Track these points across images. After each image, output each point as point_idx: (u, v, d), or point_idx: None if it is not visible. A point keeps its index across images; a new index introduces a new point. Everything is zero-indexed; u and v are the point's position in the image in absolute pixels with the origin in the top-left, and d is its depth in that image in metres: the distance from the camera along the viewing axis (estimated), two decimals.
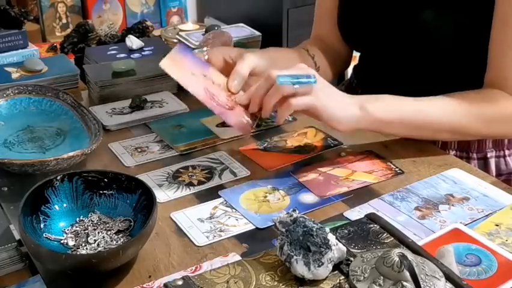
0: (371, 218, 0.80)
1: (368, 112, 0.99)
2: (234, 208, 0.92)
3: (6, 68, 1.35)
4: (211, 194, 0.96)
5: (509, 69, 1.04)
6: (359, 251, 0.73)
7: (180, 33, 1.62)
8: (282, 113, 0.96)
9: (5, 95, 1.15)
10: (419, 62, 1.16)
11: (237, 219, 0.90)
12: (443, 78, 1.14)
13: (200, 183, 0.99)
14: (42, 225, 0.83)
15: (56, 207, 0.85)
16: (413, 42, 1.14)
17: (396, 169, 1.02)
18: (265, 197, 0.95)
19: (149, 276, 0.79)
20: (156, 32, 1.64)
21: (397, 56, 1.19)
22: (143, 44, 1.44)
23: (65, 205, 0.86)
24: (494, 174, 1.14)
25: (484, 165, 1.15)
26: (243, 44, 1.50)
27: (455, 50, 1.10)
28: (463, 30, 1.07)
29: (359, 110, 0.99)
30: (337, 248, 0.70)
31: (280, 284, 0.69)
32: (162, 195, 0.95)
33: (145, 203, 0.84)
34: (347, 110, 0.98)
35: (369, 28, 1.20)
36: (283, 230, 0.71)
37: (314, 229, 0.70)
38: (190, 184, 0.99)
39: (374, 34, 1.20)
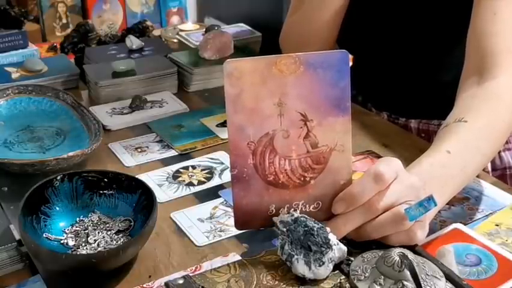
0: None
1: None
2: None
3: (6, 68, 1.35)
4: (211, 194, 0.96)
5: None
6: (360, 250, 0.73)
7: (180, 33, 1.62)
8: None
9: (5, 95, 1.15)
10: (418, 63, 1.16)
11: None
12: (442, 80, 1.15)
13: (200, 183, 0.99)
14: (42, 225, 0.82)
15: (56, 207, 0.85)
16: (414, 45, 1.15)
17: None
18: None
19: (149, 276, 0.78)
20: (156, 32, 1.64)
21: (396, 60, 1.19)
22: (143, 44, 1.44)
23: (65, 205, 0.86)
24: (489, 169, 1.14)
25: None
26: (243, 44, 1.50)
27: (453, 49, 1.10)
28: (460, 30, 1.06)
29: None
30: (338, 248, 0.70)
31: (281, 284, 0.69)
32: (162, 195, 0.95)
33: (145, 203, 0.84)
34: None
35: (369, 36, 1.21)
36: (284, 229, 0.71)
37: (315, 229, 0.70)
38: (190, 184, 0.99)
39: (373, 41, 1.21)
